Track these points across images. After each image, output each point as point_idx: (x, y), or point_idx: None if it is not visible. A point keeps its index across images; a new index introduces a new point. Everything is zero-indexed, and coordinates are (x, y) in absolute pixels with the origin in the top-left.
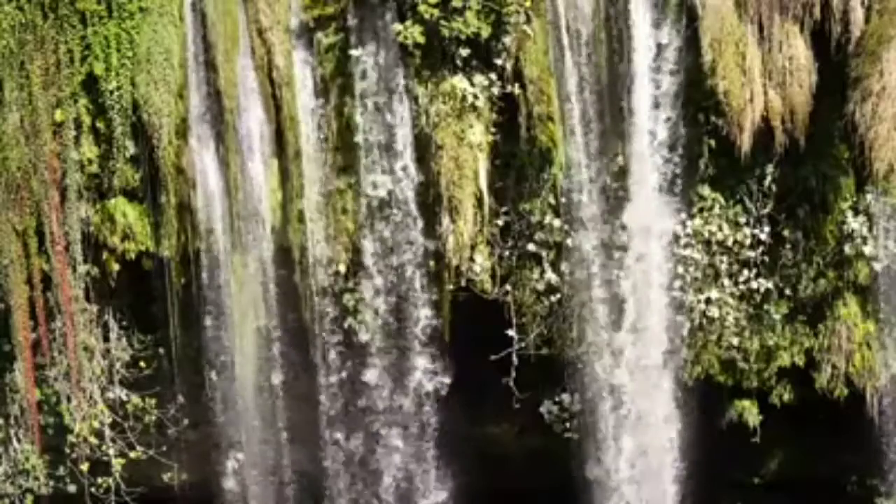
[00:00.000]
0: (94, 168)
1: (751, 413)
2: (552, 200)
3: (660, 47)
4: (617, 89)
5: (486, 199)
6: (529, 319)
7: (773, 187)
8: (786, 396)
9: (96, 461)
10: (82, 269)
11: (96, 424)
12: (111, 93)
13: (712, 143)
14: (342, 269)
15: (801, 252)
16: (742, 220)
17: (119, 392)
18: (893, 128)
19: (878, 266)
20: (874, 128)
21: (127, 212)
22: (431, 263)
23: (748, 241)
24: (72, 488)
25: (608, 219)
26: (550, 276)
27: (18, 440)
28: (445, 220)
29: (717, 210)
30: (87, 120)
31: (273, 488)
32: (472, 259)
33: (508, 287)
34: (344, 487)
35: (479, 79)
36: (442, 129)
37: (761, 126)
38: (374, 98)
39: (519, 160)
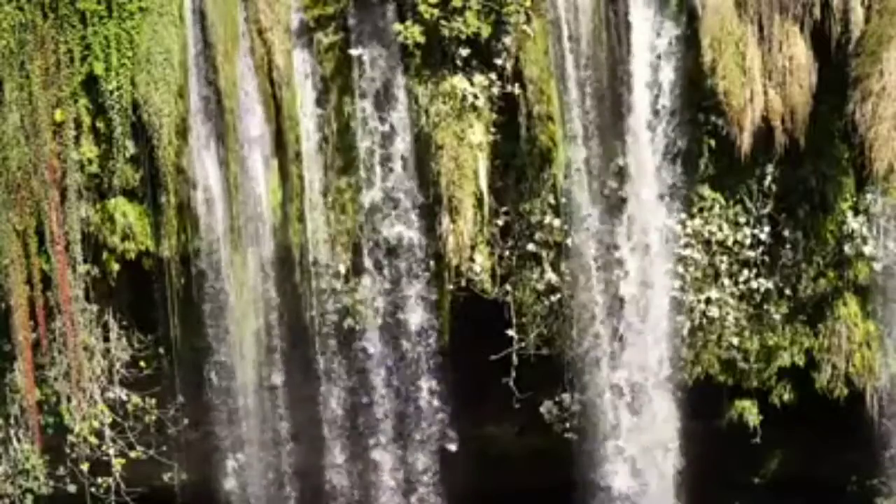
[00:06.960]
0: (94, 168)
1: (751, 413)
2: (552, 200)
3: (659, 47)
4: (617, 89)
5: (486, 199)
6: (529, 319)
7: (773, 187)
8: (786, 396)
9: (96, 461)
10: (82, 269)
11: (96, 424)
12: (111, 93)
13: (712, 143)
14: (342, 269)
15: (801, 252)
16: (742, 220)
17: (119, 392)
18: (893, 128)
19: (878, 266)
20: (874, 128)
21: (127, 212)
22: (431, 263)
23: (748, 241)
24: (72, 488)
25: (608, 219)
26: (550, 276)
27: (18, 440)
28: (445, 220)
29: (717, 210)
30: (87, 120)
31: (273, 488)
32: (472, 259)
33: (508, 287)
34: (344, 487)
35: (479, 79)
36: (442, 129)
37: (761, 126)
38: (374, 98)
39: (519, 160)
